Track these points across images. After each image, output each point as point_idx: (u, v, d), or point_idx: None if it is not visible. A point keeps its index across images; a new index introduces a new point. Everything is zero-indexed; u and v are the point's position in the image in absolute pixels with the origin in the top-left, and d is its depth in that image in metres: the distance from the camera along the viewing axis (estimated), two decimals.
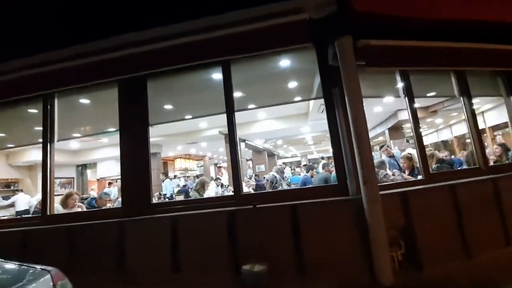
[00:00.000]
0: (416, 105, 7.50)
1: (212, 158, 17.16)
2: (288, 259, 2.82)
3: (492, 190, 3.36)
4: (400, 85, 3.62)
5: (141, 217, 3.28)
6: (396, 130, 8.53)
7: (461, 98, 3.89)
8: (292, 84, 3.81)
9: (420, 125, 10.73)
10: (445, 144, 12.95)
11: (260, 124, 8.33)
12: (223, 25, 3.20)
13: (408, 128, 11.35)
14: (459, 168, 4.54)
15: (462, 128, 10.13)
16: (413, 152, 4.56)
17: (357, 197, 2.79)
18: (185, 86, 3.85)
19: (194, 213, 3.17)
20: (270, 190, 3.86)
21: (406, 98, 3.58)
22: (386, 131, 8.88)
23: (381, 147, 5.41)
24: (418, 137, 3.50)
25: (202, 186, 4.28)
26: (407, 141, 8.19)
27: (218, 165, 21.06)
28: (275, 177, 3.72)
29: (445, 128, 12.21)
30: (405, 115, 7.89)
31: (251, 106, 3.93)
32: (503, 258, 3.03)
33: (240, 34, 3.16)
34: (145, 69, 3.48)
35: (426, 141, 13.82)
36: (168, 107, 3.94)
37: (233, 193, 3.27)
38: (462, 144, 11.07)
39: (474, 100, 7.36)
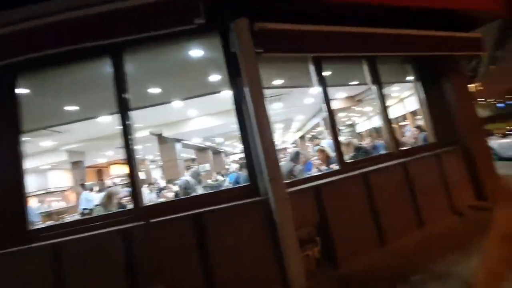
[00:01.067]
0: (343, 94, 7.78)
1: (155, 160, 15.96)
2: (194, 278, 2.44)
3: (402, 174, 3.44)
4: (313, 74, 3.48)
5: (13, 249, 2.58)
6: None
7: (374, 86, 3.91)
8: (203, 75, 3.43)
9: (351, 114, 11.15)
10: (378, 131, 13.96)
11: (194, 122, 7.78)
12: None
13: (342, 117, 11.95)
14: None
15: (394, 112, 10.84)
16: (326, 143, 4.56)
17: (267, 198, 2.53)
18: (71, 82, 3.17)
19: (82, 236, 2.57)
20: (173, 199, 3.44)
21: (320, 86, 3.45)
22: (322, 121, 9.09)
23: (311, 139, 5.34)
24: (332, 126, 3.41)
25: (109, 199, 3.65)
26: (339, 130, 8.47)
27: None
28: (188, 182, 3.28)
29: (376, 115, 13.08)
30: (335, 104, 8.16)
31: (155, 102, 3.44)
32: (416, 242, 3.09)
33: (124, 10, 2.62)
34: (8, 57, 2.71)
35: (361, 128, 14.79)
36: (49, 108, 3.22)
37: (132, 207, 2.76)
38: (400, 127, 11.95)
39: (395, 88, 7.92)
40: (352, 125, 14.63)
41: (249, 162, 2.79)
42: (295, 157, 3.71)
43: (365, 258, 2.82)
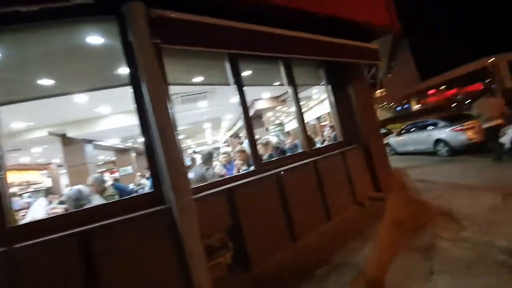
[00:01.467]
0: (267, 94, 7.98)
1: (63, 165, 13.71)
2: None
3: (313, 171, 3.63)
4: (230, 72, 3.37)
5: None
6: (256, 119, 8.92)
7: (289, 87, 4.04)
8: (105, 66, 3.00)
9: (279, 113, 11.53)
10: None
11: (107, 121, 6.87)
12: None
13: (270, 116, 12.39)
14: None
15: (316, 113, 11.69)
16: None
17: (171, 206, 2.29)
18: None
19: None
20: (60, 214, 2.93)
21: (236, 85, 3.37)
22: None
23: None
24: (249, 126, 3.37)
25: None
26: (266, 129, 8.72)
27: None
28: (80, 191, 2.76)
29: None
30: (261, 104, 8.35)
31: (38, 94, 2.85)
32: (324, 235, 3.29)
33: None
34: None
35: (289, 127, 15.64)
36: None
37: None
38: (321, 127, 12.89)
39: (315, 90, 8.55)
40: (281, 124, 15.35)
41: (152, 166, 2.49)
42: (208, 159, 3.53)
43: (277, 257, 2.85)
